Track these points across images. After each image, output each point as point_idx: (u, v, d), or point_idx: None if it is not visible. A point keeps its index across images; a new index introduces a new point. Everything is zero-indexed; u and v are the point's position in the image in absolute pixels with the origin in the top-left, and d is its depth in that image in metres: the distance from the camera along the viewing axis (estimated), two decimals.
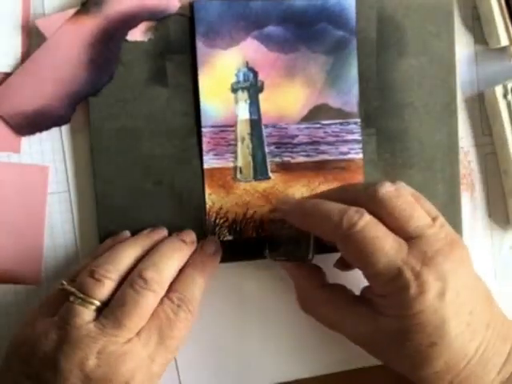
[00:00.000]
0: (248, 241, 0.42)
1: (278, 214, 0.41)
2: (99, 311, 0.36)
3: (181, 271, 0.39)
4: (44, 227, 0.41)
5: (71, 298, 0.35)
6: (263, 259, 0.43)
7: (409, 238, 0.35)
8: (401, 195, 0.36)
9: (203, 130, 0.42)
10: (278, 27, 0.42)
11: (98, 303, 0.36)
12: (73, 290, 0.36)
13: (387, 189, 0.36)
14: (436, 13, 0.44)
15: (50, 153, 0.41)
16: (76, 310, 0.35)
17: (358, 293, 0.39)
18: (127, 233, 0.41)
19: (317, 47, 0.42)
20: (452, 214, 0.44)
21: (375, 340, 0.37)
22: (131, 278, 0.36)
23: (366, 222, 0.35)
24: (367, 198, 0.36)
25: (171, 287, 0.38)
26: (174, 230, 0.41)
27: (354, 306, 0.38)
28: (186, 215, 0.42)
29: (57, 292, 0.37)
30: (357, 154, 0.43)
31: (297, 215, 0.39)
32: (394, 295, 0.34)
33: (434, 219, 0.36)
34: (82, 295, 0.35)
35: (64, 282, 0.36)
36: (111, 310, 0.35)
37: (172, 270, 0.38)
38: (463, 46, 0.45)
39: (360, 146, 0.43)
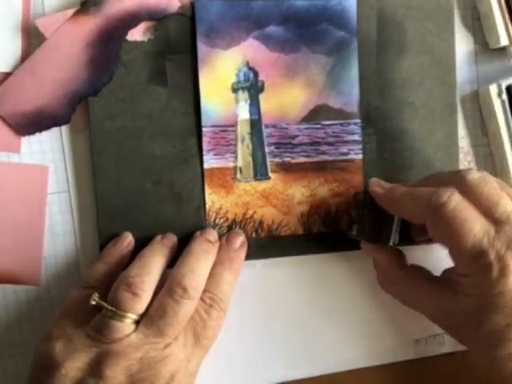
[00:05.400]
0: (247, 241, 0.42)
1: (367, 195, 0.41)
2: (136, 321, 0.36)
3: (210, 270, 0.39)
4: (44, 227, 0.41)
5: (108, 314, 0.36)
6: (262, 259, 0.43)
7: (495, 222, 0.35)
8: (488, 181, 0.36)
9: (203, 129, 0.42)
10: (278, 27, 0.42)
11: (135, 317, 0.36)
12: (112, 308, 0.36)
13: (475, 175, 0.37)
14: (436, 13, 0.44)
15: (50, 153, 0.41)
16: (115, 326, 0.35)
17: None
18: (128, 234, 0.41)
19: (318, 47, 0.42)
20: None
21: (453, 319, 0.38)
22: (170, 287, 0.37)
23: (456, 201, 0.35)
24: (456, 183, 0.37)
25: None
26: (174, 229, 0.41)
27: (433, 285, 0.39)
28: (186, 215, 0.42)
29: (80, 299, 0.37)
30: (356, 155, 0.43)
31: (388, 199, 0.40)
32: (477, 275, 0.35)
33: None
34: (119, 312, 0.36)
35: (96, 298, 0.36)
36: (152, 321, 0.36)
37: (206, 273, 0.39)
38: (463, 45, 0.45)
39: (360, 146, 0.43)
